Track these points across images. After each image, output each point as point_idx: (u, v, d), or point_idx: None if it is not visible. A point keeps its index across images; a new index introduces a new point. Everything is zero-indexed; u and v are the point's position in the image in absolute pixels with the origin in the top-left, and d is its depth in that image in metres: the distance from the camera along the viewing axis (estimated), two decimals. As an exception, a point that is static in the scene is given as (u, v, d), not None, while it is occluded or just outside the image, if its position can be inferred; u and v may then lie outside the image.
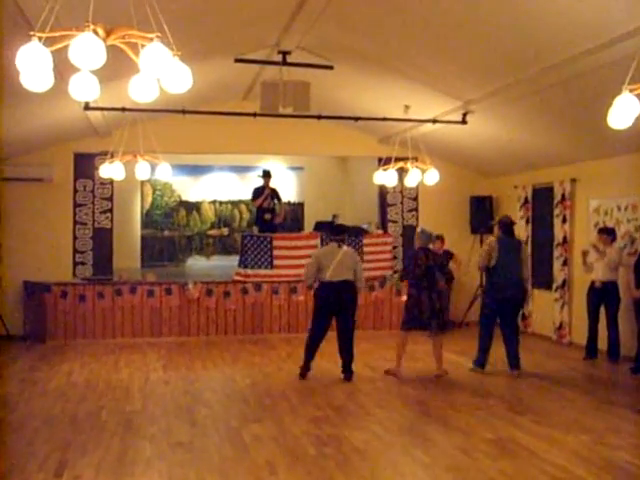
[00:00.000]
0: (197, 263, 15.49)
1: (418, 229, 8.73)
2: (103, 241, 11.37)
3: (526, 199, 11.42)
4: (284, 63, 7.98)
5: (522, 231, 11.44)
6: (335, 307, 7.95)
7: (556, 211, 10.55)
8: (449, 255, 11.53)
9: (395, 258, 12.14)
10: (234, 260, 12.66)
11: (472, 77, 8.00)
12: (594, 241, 9.18)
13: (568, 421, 6.22)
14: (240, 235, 12.86)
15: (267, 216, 12.07)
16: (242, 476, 4.83)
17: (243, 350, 9.89)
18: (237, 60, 7.95)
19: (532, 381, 7.95)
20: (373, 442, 5.61)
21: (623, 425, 6.30)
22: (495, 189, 12.47)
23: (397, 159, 10.03)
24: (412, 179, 9.96)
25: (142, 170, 9.56)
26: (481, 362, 8.35)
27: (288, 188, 15.42)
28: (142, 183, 14.51)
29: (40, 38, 3.50)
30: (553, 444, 5.52)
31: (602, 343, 9.05)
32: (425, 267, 8.03)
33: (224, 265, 14.51)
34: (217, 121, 10.16)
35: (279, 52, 7.93)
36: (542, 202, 11.03)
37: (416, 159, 10.05)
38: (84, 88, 3.97)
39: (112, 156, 9.62)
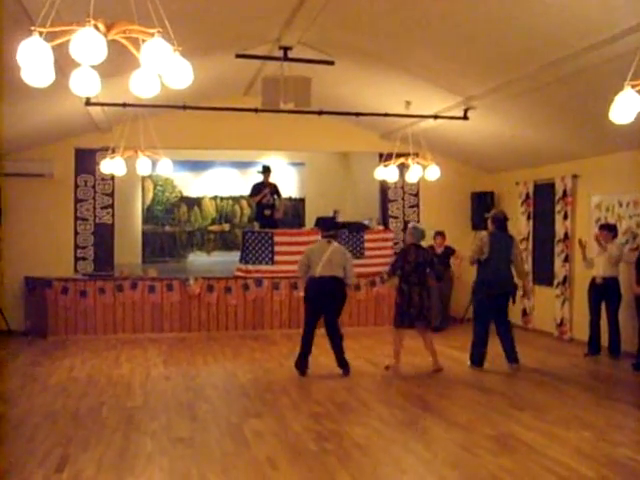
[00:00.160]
0: (198, 259, 15.49)
1: (410, 225, 8.71)
2: (104, 237, 11.37)
3: (527, 195, 11.41)
4: (285, 59, 7.97)
5: (523, 227, 11.45)
6: (323, 303, 7.96)
7: (557, 207, 10.54)
8: (450, 251, 11.53)
9: (396, 254, 12.12)
10: (235, 256, 12.67)
11: (473, 73, 7.99)
12: (596, 246, 9.14)
13: (569, 417, 6.22)
14: (241, 231, 12.86)
15: (267, 212, 12.06)
16: (243, 471, 4.84)
17: (244, 346, 9.89)
18: (238, 55, 7.94)
19: (533, 377, 7.95)
20: (374, 437, 5.62)
21: (624, 421, 6.31)
22: (496, 185, 12.45)
23: (398, 155, 10.02)
24: (413, 175, 9.95)
25: (143, 166, 9.56)
26: (475, 360, 8.34)
27: (289, 184, 15.41)
28: (143, 179, 14.51)
29: (41, 33, 3.49)
30: (554, 440, 5.52)
31: (603, 339, 9.04)
32: (415, 263, 8.04)
33: (225, 261, 14.51)
34: (218, 117, 10.15)
35: (280, 48, 7.92)
36: (543, 198, 11.02)
37: (417, 155, 10.04)
38: (85, 83, 3.96)
39: (113, 151, 9.63)
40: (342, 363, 8.00)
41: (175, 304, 10.80)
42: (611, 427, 6.00)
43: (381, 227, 12.27)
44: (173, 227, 15.47)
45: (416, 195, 12.59)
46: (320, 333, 8.11)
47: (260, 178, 12.25)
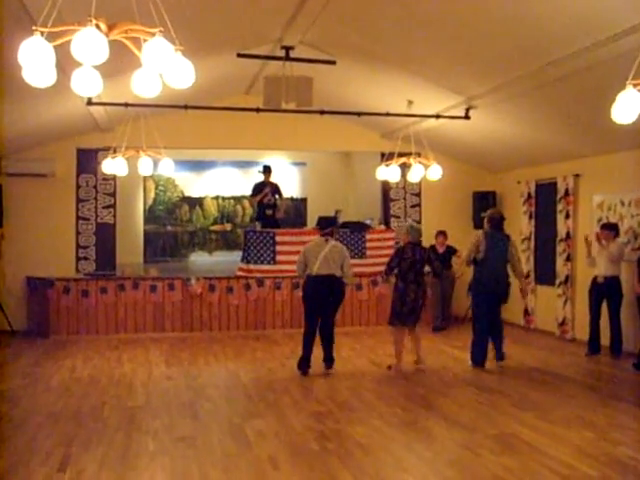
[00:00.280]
0: (200, 259, 15.49)
1: (406, 224, 8.69)
2: (106, 236, 11.39)
3: (529, 194, 11.41)
4: (287, 58, 7.97)
5: (525, 227, 11.45)
6: (321, 301, 7.97)
7: (559, 206, 10.53)
8: (452, 251, 11.53)
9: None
10: (237, 256, 12.68)
11: (475, 72, 7.98)
12: (599, 245, 9.13)
13: (571, 417, 6.21)
14: (243, 231, 12.86)
15: (269, 212, 12.06)
16: (244, 471, 4.84)
17: (246, 345, 9.90)
18: (240, 55, 7.95)
19: (535, 376, 7.95)
20: (375, 437, 5.62)
21: (626, 421, 6.30)
22: (498, 184, 12.45)
23: (400, 154, 10.02)
24: (415, 174, 9.95)
25: (145, 165, 9.57)
26: (475, 359, 8.34)
27: (291, 183, 15.41)
28: (145, 178, 14.52)
29: (42, 33, 3.50)
30: (555, 439, 5.52)
31: (605, 339, 9.04)
32: (411, 262, 8.04)
33: (227, 260, 14.52)
34: (220, 116, 10.16)
35: (282, 47, 7.92)
36: (545, 197, 11.02)
37: (419, 154, 10.04)
38: (87, 83, 3.96)
39: (115, 151, 9.63)
40: (328, 357, 8.03)
41: (177, 304, 10.81)
42: (612, 426, 5.99)
43: (383, 227, 12.27)
44: (175, 227, 15.47)
45: (418, 195, 12.60)
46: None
47: (261, 178, 12.24)
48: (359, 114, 9.49)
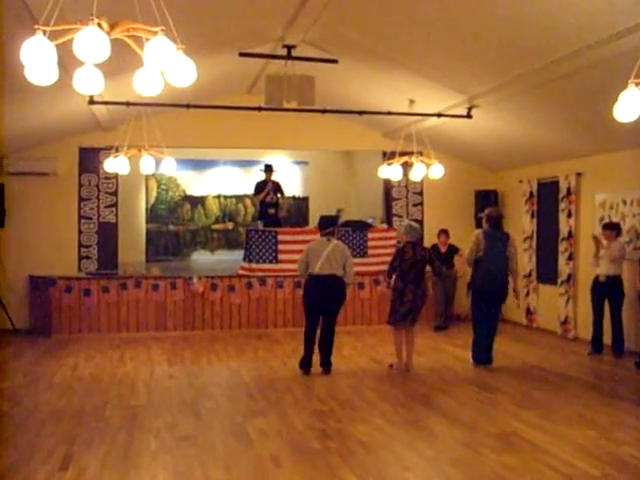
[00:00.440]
0: (202, 257, 15.50)
1: (405, 223, 8.68)
2: (108, 235, 11.40)
3: (531, 193, 11.40)
4: (289, 57, 7.97)
5: (527, 225, 11.44)
6: (322, 301, 7.96)
7: (561, 205, 10.53)
8: (454, 250, 11.52)
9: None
10: (239, 254, 12.68)
11: (477, 71, 7.98)
12: (597, 233, 9.14)
13: (573, 415, 6.21)
14: (245, 229, 12.87)
15: (271, 210, 12.07)
16: (246, 470, 4.84)
17: (248, 344, 9.90)
18: (242, 54, 7.95)
19: (537, 375, 7.94)
20: (377, 436, 5.62)
21: (628, 419, 6.29)
22: (500, 183, 12.45)
23: (402, 153, 10.02)
24: (417, 173, 9.94)
25: (147, 164, 9.56)
26: (476, 358, 8.35)
27: (293, 182, 15.42)
28: (147, 177, 14.53)
29: (44, 32, 3.49)
30: (558, 438, 5.52)
31: (607, 338, 9.03)
32: (411, 261, 8.04)
33: (229, 259, 14.53)
34: (221, 115, 10.17)
35: (284, 46, 7.92)
36: (547, 196, 11.01)
37: (421, 153, 10.04)
38: (89, 82, 3.96)
39: (117, 150, 9.63)
40: (325, 361, 7.99)
41: (179, 303, 10.81)
42: (614, 425, 5.99)
43: (385, 226, 12.27)
44: (177, 226, 15.48)
45: (420, 194, 12.59)
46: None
47: (263, 177, 12.25)
48: (361, 113, 9.49)
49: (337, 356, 8.18)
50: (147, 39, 3.62)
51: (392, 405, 6.63)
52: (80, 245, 11.29)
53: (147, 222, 15.28)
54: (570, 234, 10.34)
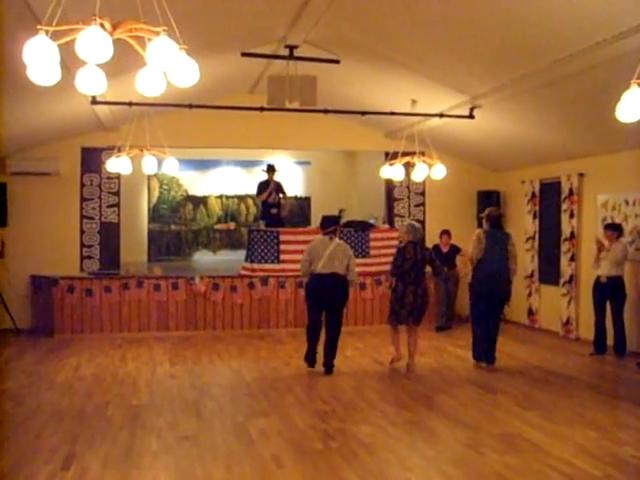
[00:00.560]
0: (204, 257, 15.51)
1: (406, 223, 8.68)
2: (110, 235, 11.40)
3: (533, 194, 11.39)
4: (291, 57, 7.97)
5: (529, 226, 11.44)
6: (325, 300, 7.96)
7: (564, 206, 10.52)
8: (456, 250, 11.51)
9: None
10: (241, 254, 12.68)
11: (479, 71, 7.97)
12: (600, 237, 9.12)
13: (575, 416, 6.21)
14: (247, 229, 12.87)
15: (273, 210, 12.08)
16: (248, 470, 4.84)
17: (249, 344, 9.90)
18: (244, 54, 7.95)
19: (539, 376, 7.94)
20: (379, 436, 5.62)
21: (630, 420, 6.28)
22: (502, 184, 12.44)
23: (404, 154, 10.01)
24: (419, 174, 9.93)
25: (149, 164, 9.58)
26: (477, 355, 8.35)
27: (295, 183, 15.42)
28: (149, 177, 14.54)
29: (47, 32, 3.50)
30: (559, 439, 5.52)
31: (609, 339, 9.02)
32: (412, 261, 8.04)
33: (231, 259, 14.53)
34: (224, 115, 10.16)
35: (286, 46, 7.92)
36: (549, 197, 11.00)
37: (423, 154, 10.02)
38: (91, 82, 3.97)
39: (119, 150, 9.64)
40: (328, 362, 7.99)
41: (181, 303, 10.82)
42: (616, 426, 5.99)
43: (386, 226, 12.27)
44: (179, 226, 15.49)
45: (422, 194, 12.59)
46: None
47: (265, 177, 12.26)
48: (363, 113, 9.48)
49: (339, 356, 8.17)
50: (149, 39, 3.63)
51: (394, 405, 6.63)
52: (82, 245, 11.30)
53: (149, 222, 15.29)
54: (572, 235, 10.33)
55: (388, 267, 8.45)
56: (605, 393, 7.21)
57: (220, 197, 15.74)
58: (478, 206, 12.41)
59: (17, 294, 10.85)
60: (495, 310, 8.31)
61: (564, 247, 10.50)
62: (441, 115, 9.44)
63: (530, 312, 11.43)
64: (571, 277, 10.35)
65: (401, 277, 8.10)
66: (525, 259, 11.30)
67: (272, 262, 11.24)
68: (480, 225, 12.19)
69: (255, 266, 11.21)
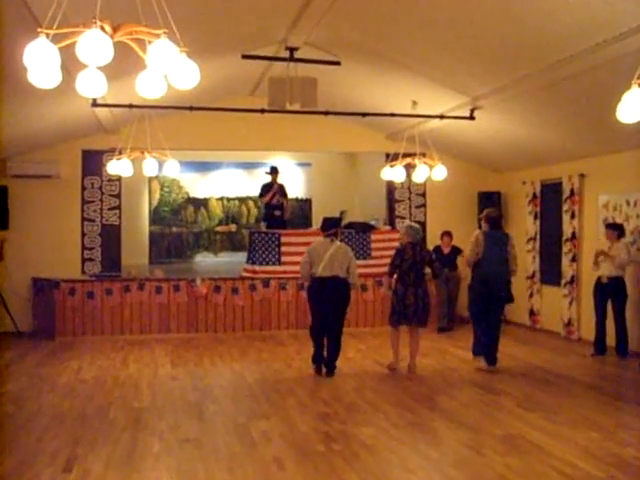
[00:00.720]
0: (205, 259, 15.53)
1: (405, 224, 8.68)
2: (111, 238, 11.41)
3: (534, 194, 11.38)
4: (291, 59, 7.97)
5: (530, 227, 11.43)
6: (327, 303, 7.94)
7: (565, 206, 10.51)
8: (458, 251, 11.51)
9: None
10: (242, 256, 12.69)
11: (480, 72, 7.97)
12: (603, 244, 9.08)
13: (577, 417, 6.20)
14: (248, 231, 12.88)
15: (277, 212, 12.11)
16: (250, 472, 4.83)
17: (251, 346, 9.90)
18: (244, 56, 7.95)
19: (540, 377, 7.93)
20: (381, 438, 5.61)
21: (632, 421, 6.28)
22: (503, 185, 12.43)
23: (405, 155, 10.00)
24: (420, 175, 9.93)
25: (150, 167, 9.59)
26: (477, 351, 8.35)
27: (296, 184, 15.43)
28: (150, 180, 14.58)
29: (47, 35, 3.50)
30: (561, 440, 5.51)
31: (610, 339, 9.02)
32: (411, 262, 8.03)
33: (232, 261, 14.55)
34: (224, 117, 10.16)
35: (287, 48, 7.92)
36: (551, 197, 11.00)
37: (424, 155, 10.02)
38: (91, 85, 3.96)
39: (120, 153, 9.65)
40: (330, 364, 7.98)
41: (182, 305, 10.82)
42: (618, 427, 5.98)
43: (388, 227, 12.26)
44: (180, 228, 15.51)
45: (423, 195, 12.59)
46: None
47: (268, 179, 12.28)
48: (364, 115, 9.49)
49: (341, 358, 8.17)
50: (150, 42, 3.63)
51: (396, 407, 6.62)
52: (83, 247, 11.31)
53: (150, 224, 15.32)
54: (573, 235, 10.32)
55: (388, 268, 8.44)
56: (607, 394, 7.20)
57: (221, 199, 15.76)
58: (479, 207, 12.39)
59: (18, 296, 10.86)
60: (495, 311, 8.30)
61: (565, 248, 10.49)
62: (442, 116, 9.43)
63: (531, 313, 11.42)
64: (572, 278, 10.34)
65: (401, 279, 8.10)
66: (526, 260, 11.29)
67: (273, 264, 11.24)
68: (481, 226, 12.26)
69: (256, 268, 11.21)
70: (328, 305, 7.94)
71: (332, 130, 11.70)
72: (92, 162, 11.29)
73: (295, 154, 15.10)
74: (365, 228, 11.84)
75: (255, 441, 5.50)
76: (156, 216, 15.36)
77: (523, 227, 11.57)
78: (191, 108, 8.77)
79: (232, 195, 15.80)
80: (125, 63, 4.31)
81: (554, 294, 10.83)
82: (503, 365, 8.35)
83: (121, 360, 8.92)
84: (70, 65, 4.18)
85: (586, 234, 10.10)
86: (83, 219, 11.31)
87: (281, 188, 12.24)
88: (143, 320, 10.70)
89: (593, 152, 9.64)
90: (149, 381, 7.71)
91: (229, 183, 15.77)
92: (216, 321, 10.91)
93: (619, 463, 4.99)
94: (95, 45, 3.44)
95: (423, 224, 12.06)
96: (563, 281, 10.54)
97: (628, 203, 9.26)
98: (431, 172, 9.84)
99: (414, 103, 9.52)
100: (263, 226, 12.11)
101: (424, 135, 10.13)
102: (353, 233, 11.56)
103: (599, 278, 9.05)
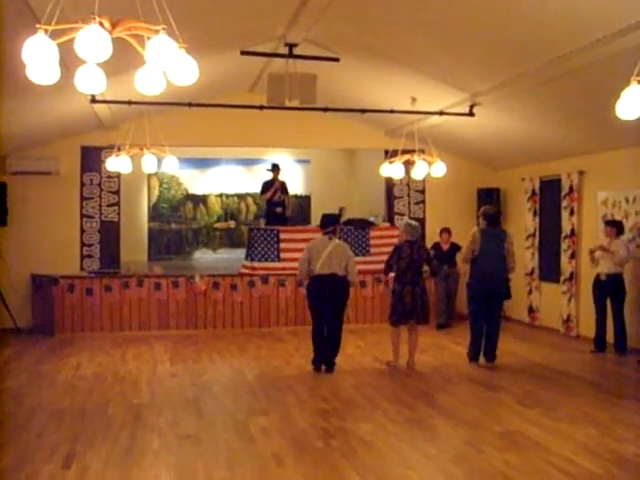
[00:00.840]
0: (204, 256, 15.52)
1: (403, 222, 8.67)
2: (110, 234, 11.41)
3: (533, 191, 11.38)
4: (290, 55, 7.96)
5: (529, 223, 11.43)
6: (325, 301, 7.94)
7: (564, 203, 10.52)
8: (457, 248, 11.50)
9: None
10: (241, 253, 12.70)
11: (479, 69, 7.97)
12: (602, 241, 9.09)
13: (576, 414, 6.21)
14: (247, 228, 12.88)
15: (278, 209, 12.12)
16: (249, 468, 4.84)
17: (250, 343, 9.90)
18: (243, 52, 7.94)
19: (539, 373, 7.94)
20: (380, 434, 5.62)
21: (631, 418, 6.28)
22: (502, 181, 12.43)
23: (404, 151, 10.00)
24: (419, 172, 9.92)
25: (149, 163, 9.57)
26: (473, 356, 8.35)
27: (295, 181, 15.42)
28: (149, 176, 14.54)
29: (46, 31, 3.50)
30: (560, 437, 5.52)
31: (610, 336, 9.02)
32: (409, 260, 8.03)
33: (231, 258, 14.54)
34: (223, 114, 10.14)
35: (286, 44, 7.91)
36: (550, 194, 11.00)
37: (423, 151, 10.02)
38: (90, 81, 3.96)
39: (119, 149, 9.64)
40: (330, 361, 7.98)
41: (181, 301, 10.82)
42: (617, 423, 5.99)
43: (387, 224, 12.27)
44: (179, 224, 15.50)
45: (422, 192, 12.59)
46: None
47: (270, 176, 12.29)
48: (363, 111, 9.48)
49: (340, 355, 8.16)
50: (149, 38, 3.62)
51: (395, 403, 6.62)
52: (82, 244, 11.30)
53: (149, 221, 15.30)
54: (572, 232, 10.33)
55: (384, 266, 8.43)
56: (606, 390, 7.21)
57: (220, 196, 15.75)
58: (478, 204, 12.39)
59: (17, 293, 10.86)
60: (493, 308, 8.30)
61: (564, 244, 10.50)
62: (441, 113, 9.43)
63: (530, 310, 11.43)
64: (571, 274, 10.35)
65: (399, 277, 8.09)
66: (525, 257, 11.30)
67: (272, 260, 11.24)
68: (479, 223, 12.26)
69: (255, 264, 11.21)
70: (327, 303, 7.94)
71: (331, 127, 11.69)
72: (91, 159, 11.29)
73: (294, 151, 15.07)
74: (364, 225, 11.85)
75: (254, 437, 5.51)
76: (155, 212, 15.35)
77: (522, 224, 11.58)
78: (190, 104, 8.76)
79: (231, 192, 15.78)
80: (124, 59, 4.31)
81: (553, 291, 10.83)
82: (502, 362, 8.36)
83: (120, 357, 8.92)
84: (69, 61, 4.17)
85: (585, 231, 10.10)
86: (82, 215, 11.30)
87: (282, 185, 12.25)
88: (142, 316, 10.70)
89: (592, 149, 9.64)
90: (148, 377, 7.71)
91: (228, 180, 15.76)
92: (215, 318, 10.91)
93: (618, 459, 5.00)
94: (94, 41, 3.43)
95: (422, 221, 12.08)
96: (562, 278, 10.55)
97: (627, 200, 9.26)
98: (430, 169, 9.83)
99: (413, 99, 9.52)
100: (262, 223, 12.11)
101: (423, 132, 10.13)
102: (352, 229, 11.56)
103: (598, 275, 9.06)
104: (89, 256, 11.31)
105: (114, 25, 3.70)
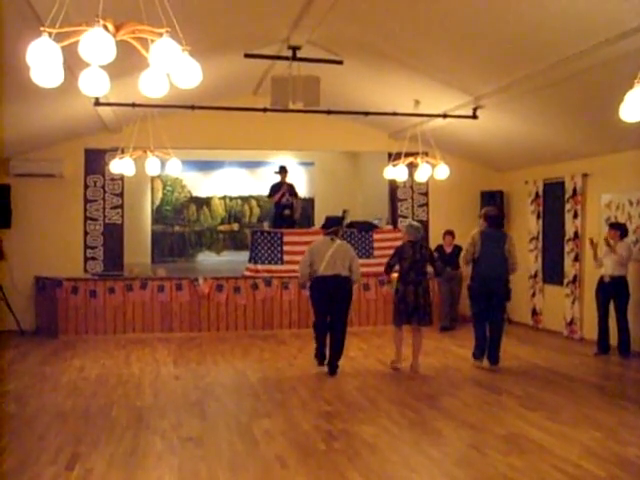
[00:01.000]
0: (207, 259, 15.52)
1: (405, 223, 8.68)
2: (114, 237, 11.42)
3: (537, 194, 11.37)
4: (294, 58, 7.96)
5: (533, 226, 11.42)
6: (328, 302, 7.95)
7: (567, 206, 10.50)
8: (460, 250, 11.48)
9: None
10: (244, 255, 12.70)
11: (483, 72, 7.97)
12: (606, 236, 9.11)
13: (579, 417, 6.19)
14: (250, 231, 12.89)
15: (287, 212, 12.13)
16: (252, 471, 4.84)
17: (253, 345, 9.90)
18: (247, 55, 7.95)
19: (543, 376, 7.92)
20: (383, 437, 5.61)
21: (635, 421, 6.27)
22: (506, 184, 12.42)
23: (407, 154, 10.00)
24: (422, 174, 9.93)
25: (152, 166, 9.58)
26: (477, 355, 8.35)
27: (299, 183, 15.40)
28: (152, 179, 14.57)
29: (50, 34, 3.50)
30: (564, 440, 5.50)
31: (613, 339, 9.00)
32: (411, 261, 8.02)
33: (234, 260, 14.56)
34: (227, 116, 10.17)
35: (289, 47, 7.91)
36: (553, 197, 10.99)
37: (426, 154, 10.03)
38: (94, 83, 3.96)
39: (122, 152, 9.67)
40: (333, 364, 7.97)
41: (184, 304, 10.82)
42: (621, 426, 5.97)
43: (390, 226, 12.27)
44: (182, 227, 15.51)
45: (425, 194, 12.58)
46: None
47: (277, 178, 12.30)
48: (366, 114, 9.48)
49: (343, 357, 8.16)
50: (152, 40, 3.62)
51: (398, 406, 6.62)
52: (86, 246, 11.32)
53: (153, 223, 15.32)
54: (576, 235, 10.31)
55: (384, 267, 8.44)
56: (610, 393, 7.20)
57: (223, 198, 15.76)
58: (481, 206, 12.35)
59: (21, 295, 10.88)
60: (496, 310, 8.29)
61: (568, 247, 10.48)
62: (444, 115, 9.43)
63: (534, 312, 11.41)
64: (575, 277, 10.33)
65: (401, 278, 8.10)
66: (529, 259, 11.29)
67: (276, 263, 11.25)
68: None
69: (259, 267, 11.22)
70: (331, 304, 7.95)
71: (335, 129, 11.70)
72: (95, 161, 11.31)
73: (298, 153, 15.09)
74: (367, 227, 11.85)
75: (257, 440, 5.51)
76: (158, 215, 15.36)
77: (525, 226, 11.56)
78: (193, 107, 8.77)
79: (234, 194, 15.79)
80: (128, 62, 4.31)
81: (556, 293, 10.81)
82: (506, 364, 8.35)
83: (123, 359, 8.92)
84: (73, 64, 4.18)
85: (588, 233, 10.07)
86: (86, 218, 11.33)
87: (290, 187, 12.27)
88: (145, 319, 10.71)
89: (596, 151, 9.63)
90: (151, 380, 7.71)
91: (231, 182, 15.76)
92: (218, 320, 10.92)
93: (621, 462, 4.99)
94: (98, 44, 3.43)
95: (425, 223, 12.08)
96: (565, 280, 10.53)
97: (631, 203, 9.25)
98: (433, 171, 9.84)
99: (417, 102, 9.52)
100: (266, 225, 12.11)
101: (427, 134, 10.13)
102: (355, 232, 11.57)
103: (602, 277, 9.04)
104: (93, 258, 11.33)
105: (118, 28, 3.70)
